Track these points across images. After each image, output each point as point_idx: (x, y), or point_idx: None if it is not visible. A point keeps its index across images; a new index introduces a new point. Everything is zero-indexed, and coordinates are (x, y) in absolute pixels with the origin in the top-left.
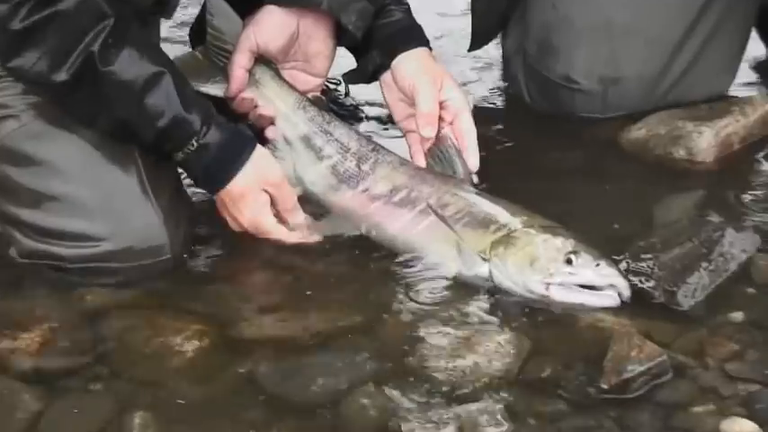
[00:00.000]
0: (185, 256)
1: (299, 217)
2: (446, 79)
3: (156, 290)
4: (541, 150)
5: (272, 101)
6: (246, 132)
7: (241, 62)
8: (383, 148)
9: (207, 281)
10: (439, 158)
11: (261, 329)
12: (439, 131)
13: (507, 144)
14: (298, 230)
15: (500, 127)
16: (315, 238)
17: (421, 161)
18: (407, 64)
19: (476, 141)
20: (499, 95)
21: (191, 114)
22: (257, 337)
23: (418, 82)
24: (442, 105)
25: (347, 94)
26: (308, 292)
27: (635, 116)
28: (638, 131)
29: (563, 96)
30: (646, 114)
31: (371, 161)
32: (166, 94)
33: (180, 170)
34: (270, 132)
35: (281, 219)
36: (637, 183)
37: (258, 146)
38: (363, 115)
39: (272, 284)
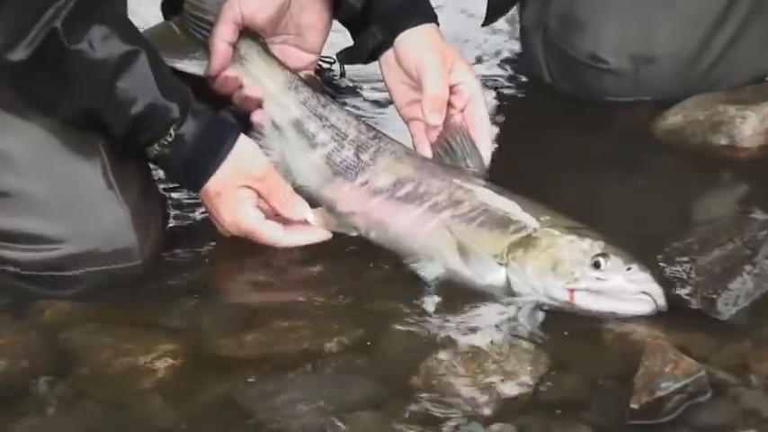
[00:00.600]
0: (157, 260)
1: (299, 210)
2: (457, 60)
3: (123, 300)
4: (564, 139)
5: (259, 80)
6: (228, 120)
7: (224, 35)
8: (386, 135)
9: (182, 290)
10: (447, 150)
11: (242, 347)
12: (447, 119)
13: (525, 132)
14: (298, 229)
15: (517, 112)
16: (322, 235)
17: (426, 153)
18: (413, 42)
19: (490, 132)
20: (516, 76)
21: (169, 100)
22: (238, 356)
23: (425, 62)
24: (452, 90)
25: (342, 74)
26: (297, 304)
27: (670, 100)
28: (673, 117)
29: (589, 77)
30: (682, 98)
31: (372, 150)
32: (141, 77)
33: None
34: (257, 116)
35: (277, 217)
36: (672, 175)
37: (242, 136)
38: (360, 99)
39: (256, 295)
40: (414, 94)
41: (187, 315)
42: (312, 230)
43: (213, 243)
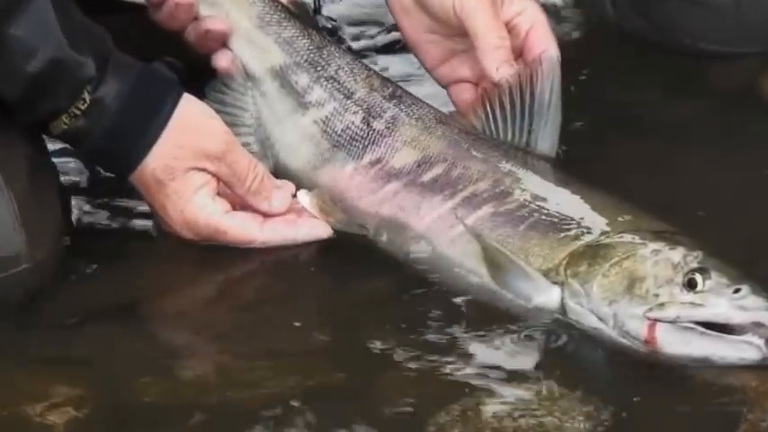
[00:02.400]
0: (54, 271)
1: (278, 198)
2: None
3: (6, 327)
4: (638, 103)
5: (224, 8)
6: (165, 74)
7: None
8: (409, 94)
9: (90, 313)
10: (498, 117)
11: (174, 392)
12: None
13: (589, 93)
14: (283, 223)
15: (577, 67)
16: (318, 230)
17: (467, 119)
18: None
19: (558, 82)
20: (567, 13)
21: (80, 53)
22: (167, 404)
23: (469, 2)
24: (508, 27)
25: (317, 10)
26: (253, 333)
27: None
28: None
29: (672, 14)
30: None
31: (389, 115)
32: (41, 21)
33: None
34: (221, 60)
35: (248, 208)
36: None
37: (187, 96)
38: (346, 48)
39: (196, 320)
40: (449, 43)
41: (98, 347)
42: (305, 224)
43: (136, 247)
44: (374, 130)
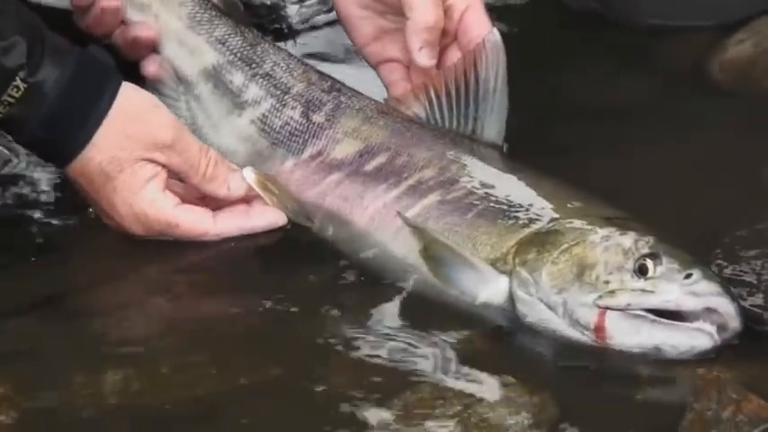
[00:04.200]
0: None
1: (234, 183)
2: None
3: None
4: (588, 84)
5: (152, 10)
6: (103, 60)
7: None
8: (347, 87)
9: (17, 307)
10: (441, 105)
11: (105, 392)
12: (443, 56)
13: (535, 75)
14: (236, 213)
15: (524, 48)
16: (273, 218)
17: (408, 110)
18: None
19: (502, 65)
20: None
21: (8, 34)
22: (97, 405)
23: None
24: (444, 6)
25: None
26: (193, 327)
27: (732, 24)
28: (737, 48)
29: None
30: (750, 18)
31: (329, 107)
32: None
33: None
34: (150, 66)
35: (200, 200)
36: (736, 132)
37: (126, 84)
38: (285, 27)
39: (133, 314)
40: (381, 21)
41: (21, 344)
42: (258, 212)
43: (68, 238)
44: (314, 123)
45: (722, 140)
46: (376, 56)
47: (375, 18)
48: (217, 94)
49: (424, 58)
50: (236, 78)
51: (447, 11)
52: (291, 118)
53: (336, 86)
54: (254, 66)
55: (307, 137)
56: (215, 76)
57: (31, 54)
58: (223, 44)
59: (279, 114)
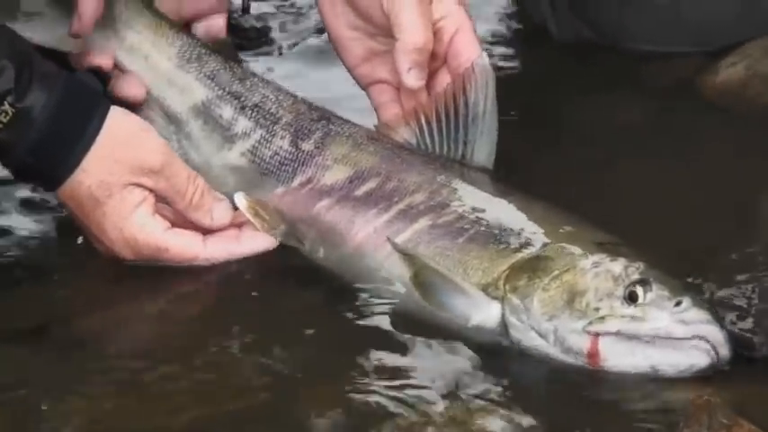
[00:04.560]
0: None
1: (219, 212)
2: None
3: None
4: (577, 106)
5: (142, 52)
6: (91, 85)
7: None
8: (336, 116)
9: (1, 333)
10: (432, 130)
11: (93, 420)
12: (432, 80)
13: (527, 99)
14: (226, 238)
15: (515, 72)
16: (262, 243)
17: (398, 134)
18: None
19: (491, 89)
20: (509, 19)
21: None
22: None
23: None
24: (434, 29)
25: (246, 10)
26: (181, 354)
27: (724, 46)
28: (729, 70)
29: (610, 15)
30: (742, 43)
31: (318, 135)
32: None
33: None
34: (141, 112)
35: (188, 224)
36: (728, 154)
37: (115, 108)
38: (275, 51)
39: (120, 340)
40: (371, 43)
41: (6, 373)
42: (248, 237)
43: (55, 263)
44: (303, 151)
45: (714, 163)
46: (366, 77)
47: (365, 39)
48: (207, 129)
49: (413, 80)
50: (226, 112)
51: (437, 33)
52: (281, 147)
53: (326, 116)
54: (243, 99)
55: (296, 165)
56: (205, 113)
57: (18, 79)
58: (212, 80)
59: (268, 144)
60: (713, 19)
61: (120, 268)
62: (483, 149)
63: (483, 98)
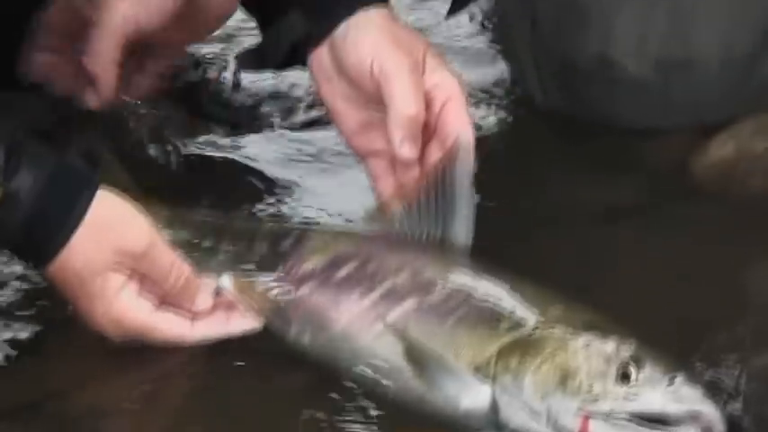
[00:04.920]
0: None
1: (203, 299)
2: (429, 55)
3: None
4: (563, 185)
5: None
6: (80, 169)
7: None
8: (307, 226)
9: None
10: (414, 209)
11: None
12: (424, 151)
13: (509, 175)
14: (211, 318)
15: (497, 145)
16: (246, 324)
17: (393, 204)
18: (362, 34)
19: (471, 166)
20: (494, 90)
21: None
22: None
23: (387, 66)
24: (426, 98)
25: (237, 85)
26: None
27: (714, 125)
28: (719, 150)
29: (597, 92)
30: (732, 122)
31: (295, 233)
32: None
33: None
34: None
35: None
36: (716, 235)
37: (104, 192)
38: (269, 126)
39: (108, 417)
40: (366, 113)
41: None
42: (235, 318)
43: (48, 336)
44: (281, 252)
45: (704, 243)
46: (362, 148)
47: (360, 109)
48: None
49: (406, 151)
50: (206, 243)
51: (429, 103)
52: (260, 254)
53: (302, 229)
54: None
55: (278, 261)
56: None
57: (8, 159)
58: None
59: (249, 254)
60: (703, 97)
61: (109, 345)
62: (461, 228)
63: (462, 176)
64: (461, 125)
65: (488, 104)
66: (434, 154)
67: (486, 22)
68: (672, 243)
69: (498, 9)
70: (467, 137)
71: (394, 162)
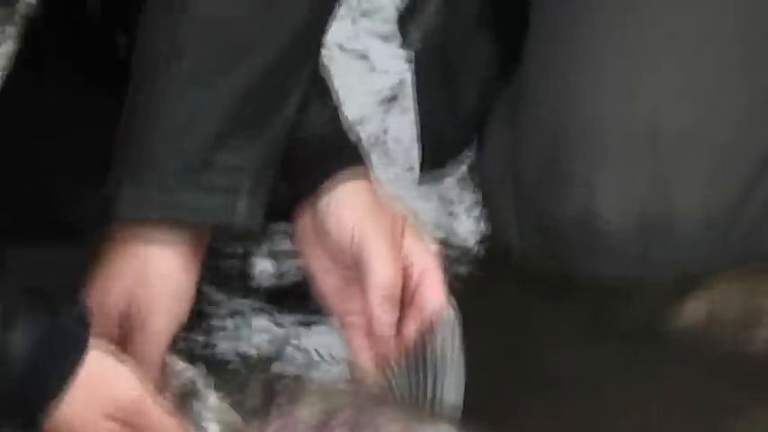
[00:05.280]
0: None
1: None
2: (406, 225)
3: None
4: (541, 342)
5: None
6: (71, 327)
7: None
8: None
9: None
10: (401, 375)
11: None
12: (402, 324)
13: (486, 332)
14: None
15: (474, 300)
16: None
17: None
18: (341, 203)
19: (457, 335)
20: (473, 245)
21: None
22: None
23: (367, 235)
24: (404, 269)
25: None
26: None
27: (689, 279)
28: (695, 308)
29: (578, 248)
30: (706, 276)
31: (283, 393)
32: None
33: None
34: None
35: None
36: (696, 397)
37: (94, 351)
38: (254, 286)
39: None
40: (347, 274)
41: None
42: None
43: None
44: (276, 404)
45: (679, 400)
46: (340, 309)
47: (340, 271)
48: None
49: (383, 323)
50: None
51: (405, 273)
52: (252, 406)
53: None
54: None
55: (269, 413)
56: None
57: (5, 318)
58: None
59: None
60: (681, 255)
61: None
62: (451, 393)
63: (449, 342)
64: (436, 300)
65: (467, 264)
66: (411, 326)
67: (468, 177)
68: (645, 401)
69: (479, 164)
70: (449, 303)
71: (371, 327)
